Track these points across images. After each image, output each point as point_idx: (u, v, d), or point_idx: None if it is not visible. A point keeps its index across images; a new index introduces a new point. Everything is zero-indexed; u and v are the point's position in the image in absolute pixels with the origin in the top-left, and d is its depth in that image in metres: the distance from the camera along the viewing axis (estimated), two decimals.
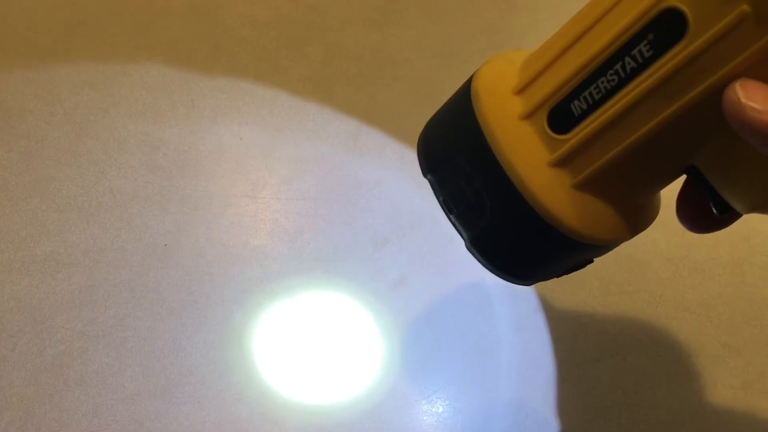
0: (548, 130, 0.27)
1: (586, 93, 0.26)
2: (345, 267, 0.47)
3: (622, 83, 0.25)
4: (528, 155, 0.27)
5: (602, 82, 0.25)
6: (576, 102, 0.26)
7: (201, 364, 0.43)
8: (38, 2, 0.57)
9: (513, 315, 0.45)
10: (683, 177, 0.28)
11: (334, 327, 0.45)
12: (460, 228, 0.30)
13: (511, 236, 0.28)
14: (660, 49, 0.23)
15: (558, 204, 0.27)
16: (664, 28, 0.23)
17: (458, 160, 0.29)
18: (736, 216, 0.28)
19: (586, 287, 0.47)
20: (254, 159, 0.51)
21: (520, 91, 0.28)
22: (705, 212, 0.28)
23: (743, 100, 0.21)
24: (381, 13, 0.59)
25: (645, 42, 0.24)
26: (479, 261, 0.30)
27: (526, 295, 0.46)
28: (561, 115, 0.26)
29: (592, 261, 0.31)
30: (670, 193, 0.29)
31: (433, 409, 0.42)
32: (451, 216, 0.30)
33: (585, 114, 0.26)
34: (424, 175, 0.31)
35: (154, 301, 0.45)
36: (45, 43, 0.55)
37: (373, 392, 0.42)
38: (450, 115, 0.30)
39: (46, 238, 0.47)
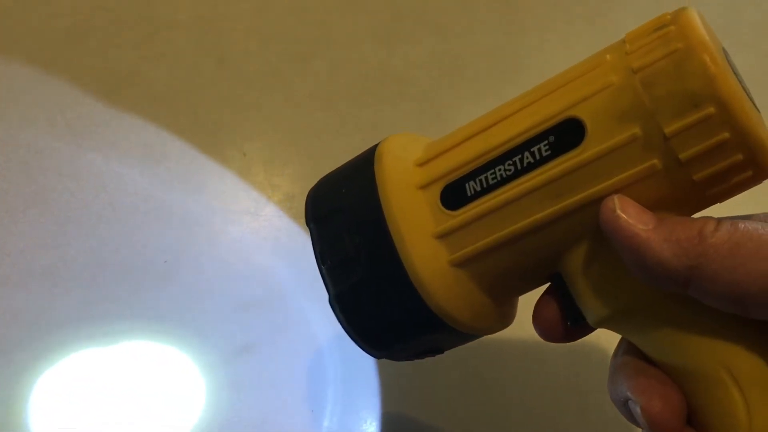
0: (440, 203, 0.28)
1: (482, 176, 0.28)
2: None
3: (517, 174, 0.27)
4: (415, 222, 0.28)
5: (499, 169, 0.27)
6: (471, 182, 0.28)
7: (199, 385, 0.42)
8: (40, 11, 0.56)
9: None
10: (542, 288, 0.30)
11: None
12: (329, 281, 0.30)
13: (379, 297, 0.29)
14: (557, 150, 0.26)
15: (431, 274, 0.28)
16: (565, 134, 0.26)
17: (347, 213, 0.30)
18: (588, 330, 0.30)
19: None
20: (257, 175, 0.51)
21: (422, 164, 0.29)
22: (559, 322, 0.30)
23: (618, 210, 0.24)
24: (388, 30, 0.58)
25: (545, 142, 0.26)
26: (338, 319, 0.30)
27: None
28: (455, 192, 0.28)
29: (442, 351, 0.32)
30: None
31: None
32: (323, 267, 0.30)
33: (476, 195, 0.28)
34: (308, 223, 0.31)
35: (153, 319, 0.44)
36: (46, 52, 0.54)
37: None
38: (349, 170, 0.31)
39: (44, 251, 0.46)
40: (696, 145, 0.24)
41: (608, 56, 0.26)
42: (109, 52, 0.55)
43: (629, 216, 0.24)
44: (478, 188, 0.28)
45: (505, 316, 0.32)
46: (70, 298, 0.44)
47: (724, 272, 0.23)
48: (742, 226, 0.23)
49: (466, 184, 0.28)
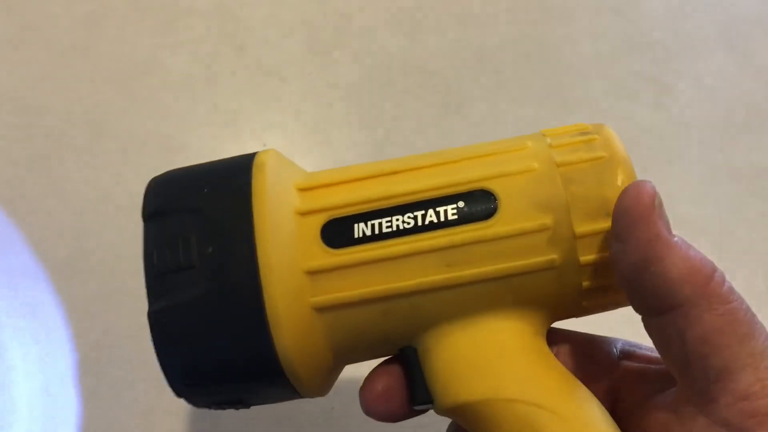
0: (319, 237, 0.25)
1: (376, 221, 0.25)
2: None
3: (415, 230, 0.25)
4: (287, 249, 0.25)
5: (397, 219, 0.25)
6: (362, 224, 0.25)
7: None
8: None
9: None
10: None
11: None
12: (156, 288, 0.25)
13: (217, 323, 0.24)
14: (464, 218, 0.25)
15: (288, 313, 0.24)
16: (476, 203, 0.25)
17: (204, 216, 0.25)
18: (423, 412, 0.27)
19: None
20: None
21: (306, 189, 0.26)
22: (396, 400, 0.27)
23: None
24: (411, 20, 0.57)
25: (454, 206, 0.25)
26: (154, 337, 0.25)
27: None
28: (340, 230, 0.25)
29: (249, 406, 0.27)
30: None
31: None
32: (152, 270, 0.25)
33: (364, 240, 0.25)
34: (149, 216, 0.26)
35: None
36: (64, 39, 0.54)
37: None
38: (217, 171, 0.27)
39: (62, 242, 0.45)
40: (598, 252, 0.24)
41: (529, 143, 0.26)
42: (128, 38, 0.54)
43: None
44: (369, 233, 0.25)
45: (329, 384, 0.28)
46: (86, 291, 0.44)
47: None
48: None
49: (356, 225, 0.25)
